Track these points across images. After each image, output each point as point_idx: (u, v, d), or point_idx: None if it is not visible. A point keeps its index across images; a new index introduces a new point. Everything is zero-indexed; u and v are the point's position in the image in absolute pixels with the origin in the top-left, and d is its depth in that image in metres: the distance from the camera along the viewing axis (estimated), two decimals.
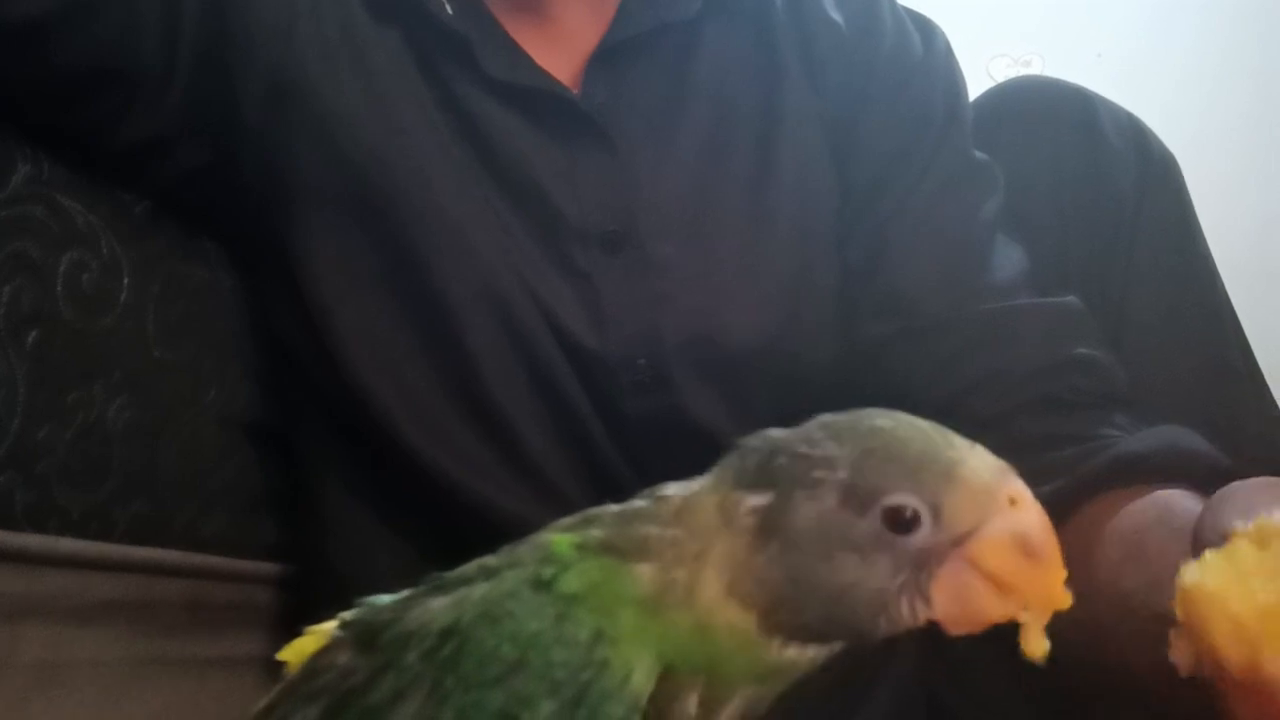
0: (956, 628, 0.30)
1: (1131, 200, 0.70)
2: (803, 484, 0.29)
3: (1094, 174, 0.71)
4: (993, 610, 0.30)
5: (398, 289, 0.64)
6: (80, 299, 0.58)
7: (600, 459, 0.64)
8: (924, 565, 0.29)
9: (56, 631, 0.56)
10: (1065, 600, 0.30)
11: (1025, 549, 0.29)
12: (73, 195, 0.59)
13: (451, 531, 0.63)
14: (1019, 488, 0.30)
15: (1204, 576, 0.32)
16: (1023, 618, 0.30)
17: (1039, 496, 0.52)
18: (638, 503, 0.32)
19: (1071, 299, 0.65)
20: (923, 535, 0.29)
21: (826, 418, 0.31)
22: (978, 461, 0.30)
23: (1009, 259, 0.67)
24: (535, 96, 0.66)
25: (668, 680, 0.29)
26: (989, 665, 0.58)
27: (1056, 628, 0.49)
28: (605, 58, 0.68)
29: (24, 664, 0.55)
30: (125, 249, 0.61)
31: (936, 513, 0.29)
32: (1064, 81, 0.77)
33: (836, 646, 0.31)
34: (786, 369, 0.66)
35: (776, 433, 0.31)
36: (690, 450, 0.63)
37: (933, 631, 0.31)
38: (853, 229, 0.69)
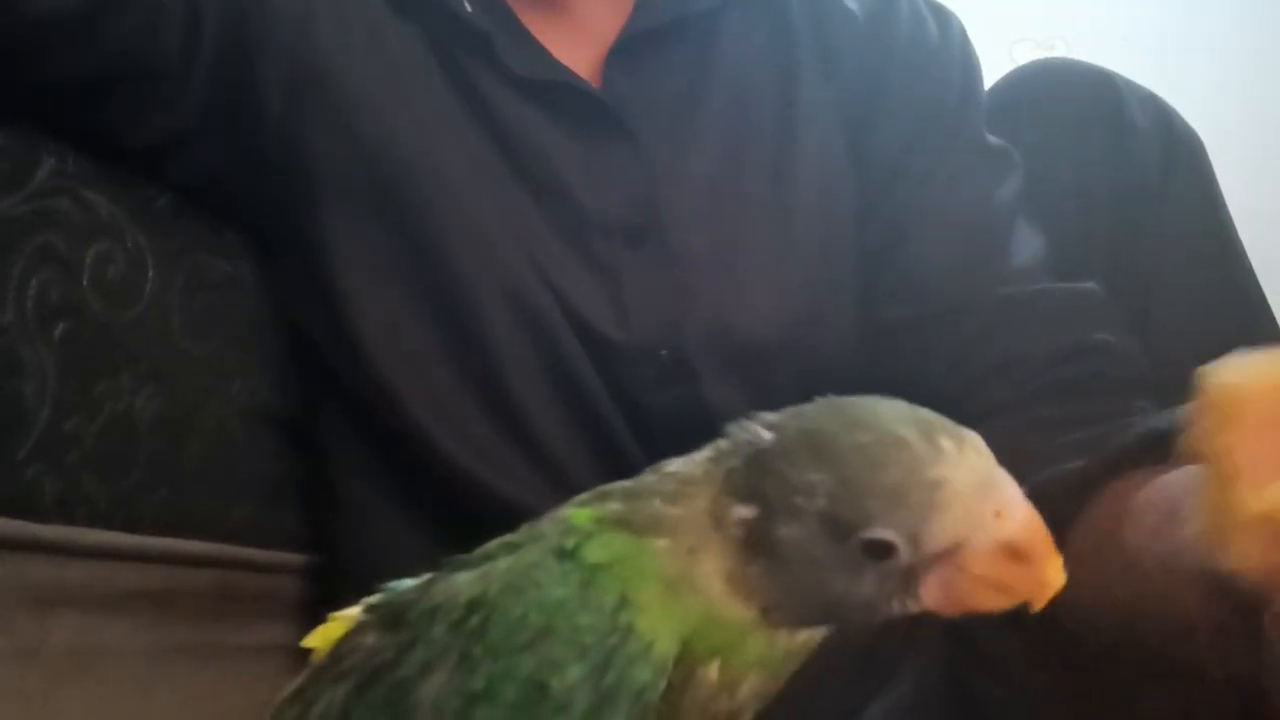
0: (950, 613, 0.31)
1: (1156, 183, 0.70)
2: (784, 507, 0.29)
3: (1117, 157, 0.71)
4: (984, 604, 0.30)
5: (417, 281, 0.64)
6: (107, 291, 0.59)
7: (621, 452, 0.64)
8: (910, 577, 0.30)
9: (85, 620, 0.57)
10: (1059, 582, 0.30)
11: (1014, 554, 0.29)
12: (97, 188, 0.59)
13: (471, 524, 0.63)
14: (1004, 499, 0.29)
15: (1228, 375, 0.32)
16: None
17: (1065, 475, 0.51)
18: (645, 478, 0.33)
19: (1091, 285, 0.65)
20: (902, 559, 0.29)
21: (810, 422, 0.31)
22: (963, 477, 0.29)
23: (1028, 244, 0.67)
24: (555, 90, 0.66)
25: (689, 652, 0.29)
26: (1017, 654, 0.58)
27: (1093, 613, 0.48)
28: (625, 50, 0.68)
29: (53, 652, 0.55)
30: (150, 241, 0.62)
31: (915, 540, 0.29)
32: (1087, 63, 0.76)
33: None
34: (808, 359, 0.66)
35: (762, 435, 0.31)
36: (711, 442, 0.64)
37: (956, 621, 0.32)
38: (869, 215, 0.69)
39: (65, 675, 0.56)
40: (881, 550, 0.29)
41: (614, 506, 0.32)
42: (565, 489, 0.63)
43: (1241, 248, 0.72)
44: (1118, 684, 0.53)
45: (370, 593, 0.35)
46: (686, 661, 0.29)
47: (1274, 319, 0.70)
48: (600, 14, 0.69)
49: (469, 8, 0.66)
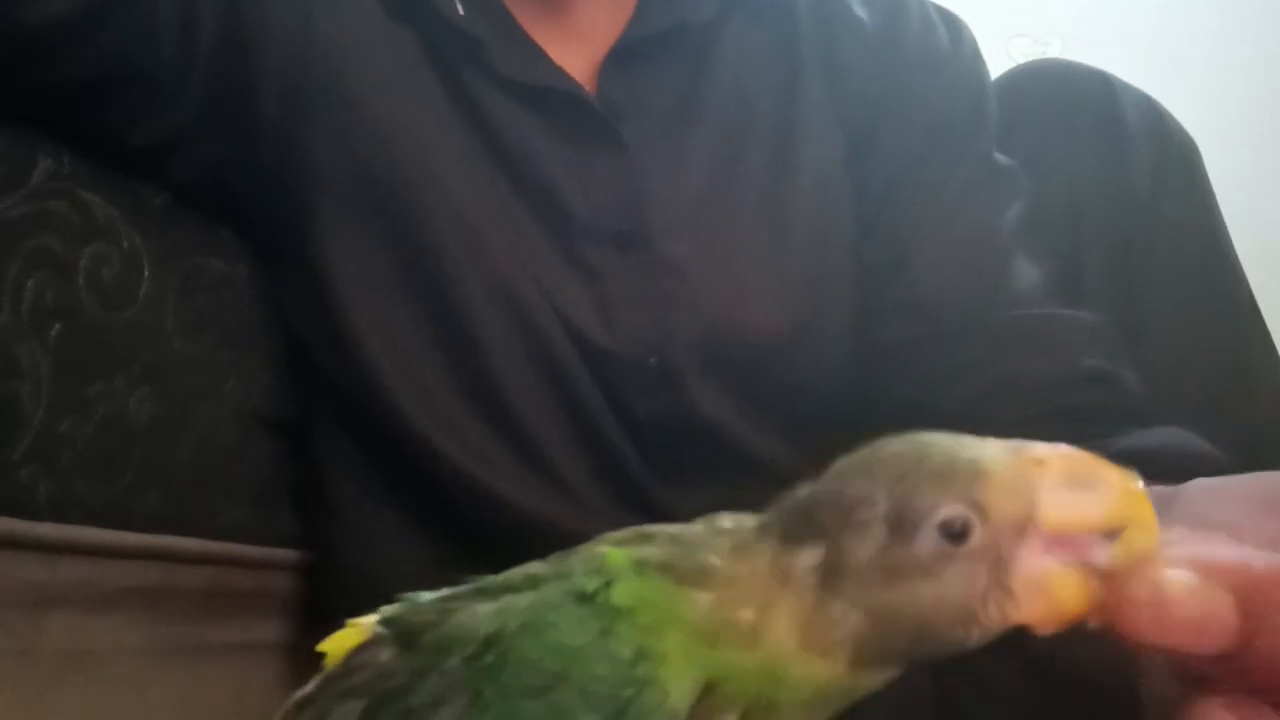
0: (1046, 624, 0.29)
1: (1147, 191, 0.69)
2: (848, 528, 0.29)
3: (1112, 162, 0.70)
4: (1075, 594, 0.29)
5: (411, 283, 0.64)
6: (102, 292, 0.59)
7: (614, 455, 0.65)
8: (998, 563, 0.29)
9: (79, 619, 0.57)
10: (1138, 492, 0.29)
11: (1078, 482, 0.29)
12: (93, 189, 0.59)
13: (465, 526, 0.64)
14: (1038, 450, 0.30)
15: None
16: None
17: None
18: (694, 528, 0.32)
19: (1090, 314, 0.64)
20: (980, 536, 0.29)
21: (843, 462, 0.31)
22: (994, 450, 0.30)
23: (1030, 268, 0.66)
24: (548, 95, 0.66)
25: (709, 696, 0.29)
26: (1004, 672, 0.58)
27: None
28: (622, 55, 0.68)
29: (48, 651, 0.56)
30: (145, 242, 0.62)
31: (983, 511, 0.29)
32: (1082, 65, 0.75)
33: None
34: (798, 369, 0.66)
35: (804, 489, 0.31)
36: (703, 448, 0.65)
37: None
38: (871, 227, 0.68)
39: (60, 674, 0.56)
40: (956, 529, 0.29)
41: (656, 550, 0.31)
42: (561, 491, 0.64)
43: (1235, 256, 0.71)
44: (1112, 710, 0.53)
45: (363, 593, 0.35)
46: (703, 708, 0.29)
47: (1266, 330, 0.70)
48: (601, 18, 0.69)
49: (461, 11, 0.65)
